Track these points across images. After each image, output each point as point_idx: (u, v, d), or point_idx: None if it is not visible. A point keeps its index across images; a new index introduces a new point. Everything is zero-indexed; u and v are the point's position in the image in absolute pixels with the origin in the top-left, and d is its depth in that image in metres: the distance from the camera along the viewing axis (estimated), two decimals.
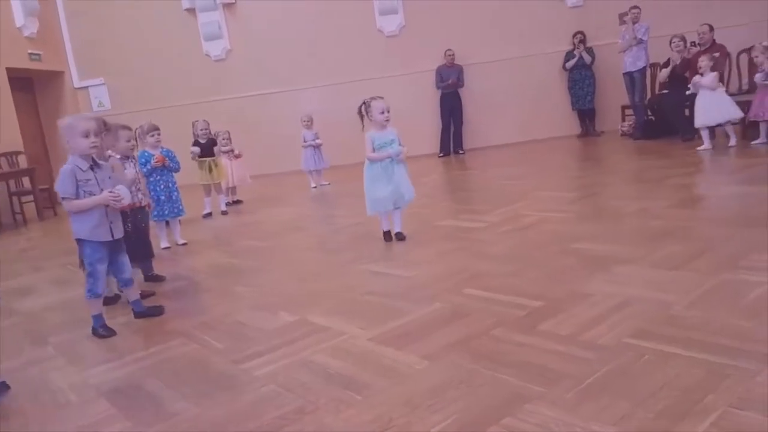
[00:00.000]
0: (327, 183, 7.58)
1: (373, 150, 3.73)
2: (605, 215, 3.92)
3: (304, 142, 7.42)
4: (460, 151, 9.30)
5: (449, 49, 9.19)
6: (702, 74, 6.23)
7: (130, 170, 4.16)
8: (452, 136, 9.40)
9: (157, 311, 3.01)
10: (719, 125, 6.21)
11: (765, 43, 5.83)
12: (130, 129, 3.94)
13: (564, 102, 9.25)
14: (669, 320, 2.05)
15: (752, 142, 5.96)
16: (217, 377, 2.14)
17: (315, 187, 7.44)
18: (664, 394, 1.58)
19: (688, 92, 6.43)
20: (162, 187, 4.72)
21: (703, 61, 6.23)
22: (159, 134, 4.73)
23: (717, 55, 6.64)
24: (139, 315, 2.99)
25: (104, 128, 2.98)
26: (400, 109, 9.41)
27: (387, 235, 3.94)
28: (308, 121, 7.46)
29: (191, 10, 9.79)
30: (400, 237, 3.90)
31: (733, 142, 6.05)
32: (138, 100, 9.67)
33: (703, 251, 2.76)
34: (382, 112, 3.69)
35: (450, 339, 2.15)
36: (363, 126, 3.76)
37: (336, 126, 9.00)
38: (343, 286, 3.09)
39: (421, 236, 4.02)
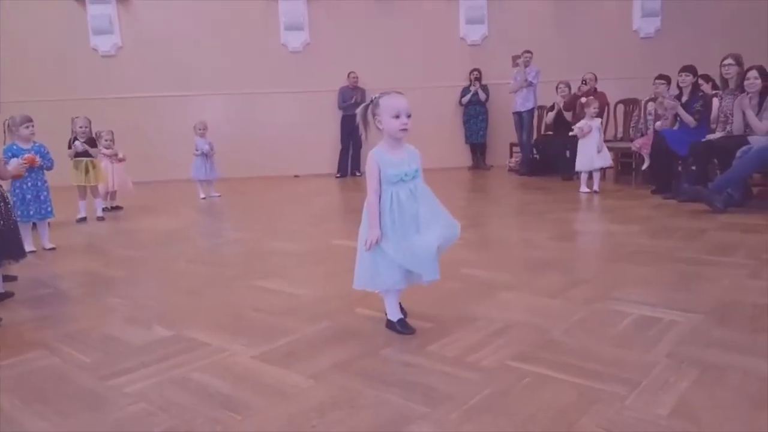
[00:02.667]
0: (217, 194, 7.29)
1: (380, 182, 2.24)
2: (491, 244, 4.08)
3: (196, 150, 7.11)
4: (357, 173, 9.36)
5: (353, 72, 9.29)
6: (588, 117, 6.31)
7: (14, 160, 3.98)
8: (351, 158, 9.44)
9: None
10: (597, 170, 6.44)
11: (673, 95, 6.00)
12: None
13: (458, 135, 9.66)
14: (547, 345, 2.14)
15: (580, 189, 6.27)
16: (80, 395, 1.92)
17: (204, 197, 7.13)
18: (542, 415, 1.63)
19: (571, 134, 6.58)
20: (29, 185, 4.28)
21: (590, 107, 6.33)
22: (33, 126, 4.32)
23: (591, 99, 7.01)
24: None
25: None
26: (298, 125, 9.43)
27: (403, 326, 2.34)
28: (202, 129, 7.17)
29: (80, 0, 9.15)
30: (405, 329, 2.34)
31: (597, 186, 6.27)
32: (9, 90, 8.80)
33: (578, 282, 2.94)
34: (398, 116, 2.23)
35: (337, 358, 2.10)
36: (366, 137, 2.32)
37: (230, 136, 8.77)
38: (227, 301, 2.94)
39: (314, 255, 3.95)
